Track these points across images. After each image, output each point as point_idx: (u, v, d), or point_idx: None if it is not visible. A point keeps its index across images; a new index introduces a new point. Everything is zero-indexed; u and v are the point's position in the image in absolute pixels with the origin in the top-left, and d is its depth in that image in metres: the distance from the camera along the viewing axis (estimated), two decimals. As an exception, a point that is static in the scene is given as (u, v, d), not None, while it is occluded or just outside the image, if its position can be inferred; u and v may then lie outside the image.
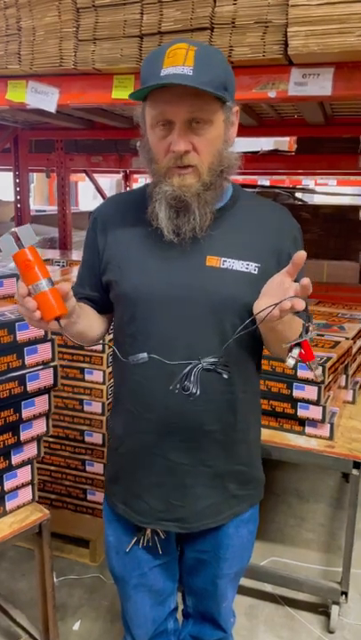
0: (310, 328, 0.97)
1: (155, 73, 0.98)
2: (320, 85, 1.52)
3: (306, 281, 0.88)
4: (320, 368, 0.99)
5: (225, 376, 1.06)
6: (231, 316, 1.07)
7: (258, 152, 3.37)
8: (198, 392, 1.03)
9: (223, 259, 1.07)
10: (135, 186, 5.50)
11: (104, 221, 1.17)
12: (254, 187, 4.27)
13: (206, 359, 1.05)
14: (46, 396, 1.50)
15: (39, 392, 1.47)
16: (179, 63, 0.96)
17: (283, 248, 1.11)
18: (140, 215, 1.10)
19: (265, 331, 1.04)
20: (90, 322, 1.17)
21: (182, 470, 1.12)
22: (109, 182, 8.57)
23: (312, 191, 5.46)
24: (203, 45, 1.02)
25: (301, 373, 1.86)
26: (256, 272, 1.07)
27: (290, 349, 0.96)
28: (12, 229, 0.93)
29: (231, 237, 1.09)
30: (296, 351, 0.96)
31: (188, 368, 1.04)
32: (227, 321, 1.07)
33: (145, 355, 1.03)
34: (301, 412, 1.89)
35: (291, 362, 0.96)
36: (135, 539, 1.21)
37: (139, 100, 1.05)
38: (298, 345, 0.96)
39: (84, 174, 4.63)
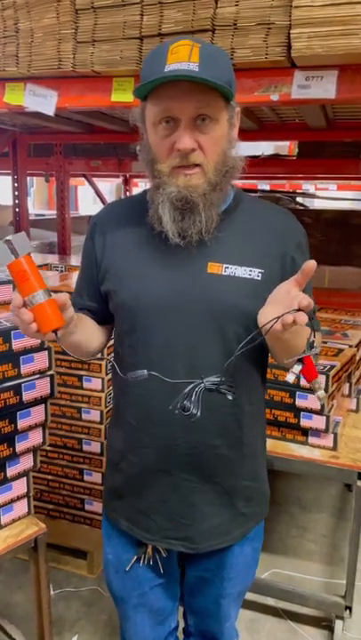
0: (315, 343, 0.92)
1: (158, 70, 0.94)
2: (324, 88, 1.49)
3: (305, 301, 0.85)
4: (323, 390, 0.94)
5: (229, 397, 1.01)
6: (234, 324, 1.03)
7: (259, 156, 3.34)
8: (199, 414, 0.98)
9: (225, 265, 1.03)
10: (135, 190, 5.48)
11: (102, 229, 1.13)
12: (255, 191, 4.24)
13: (209, 378, 1.01)
14: (43, 406, 1.46)
15: (35, 402, 1.43)
16: (184, 59, 0.92)
17: (287, 253, 1.07)
18: (140, 221, 1.06)
19: (271, 340, 1.00)
20: (88, 333, 1.13)
21: (188, 487, 1.08)
22: (109, 187, 8.55)
23: (313, 195, 5.43)
24: (206, 43, 1.00)
25: (305, 382, 1.82)
26: (260, 278, 1.04)
27: (292, 364, 0.92)
28: (7, 237, 0.89)
29: (233, 243, 1.05)
30: (298, 368, 0.91)
31: (190, 387, 0.99)
32: (229, 330, 1.03)
33: (145, 372, 0.98)
34: (304, 422, 1.85)
35: (291, 377, 0.91)
36: (136, 557, 1.16)
37: (140, 97, 1.01)
38: (300, 361, 0.91)
39: (84, 178, 4.61)
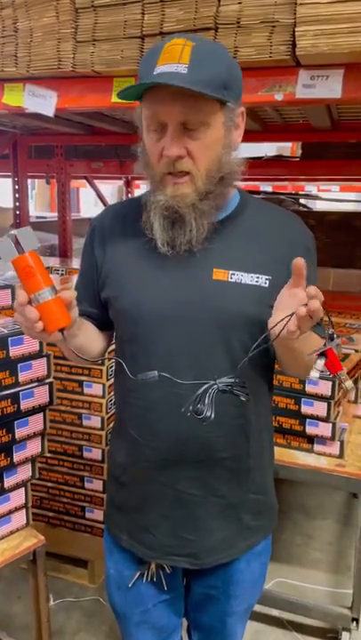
0: (335, 335, 0.87)
1: (148, 71, 0.90)
2: (329, 88, 1.46)
3: (312, 290, 0.81)
4: (349, 380, 0.90)
5: (243, 398, 0.97)
6: (240, 332, 0.99)
7: (262, 158, 3.30)
8: (213, 415, 0.93)
9: (231, 271, 0.99)
10: (137, 192, 5.45)
11: (102, 232, 1.10)
12: (257, 193, 4.20)
13: (222, 379, 0.96)
14: (41, 415, 1.42)
15: (33, 411, 1.39)
16: (173, 60, 0.88)
17: (293, 257, 1.02)
18: (139, 225, 1.02)
19: (281, 351, 0.96)
20: (89, 338, 1.09)
21: (192, 501, 1.04)
22: (111, 189, 8.52)
23: (316, 197, 5.39)
24: (203, 41, 0.94)
25: (310, 388, 1.78)
26: (267, 285, 1.00)
27: (314, 361, 0.87)
28: (11, 232, 0.85)
29: (239, 248, 1.02)
30: (321, 362, 0.86)
31: (203, 389, 0.95)
32: (235, 338, 0.99)
33: (155, 373, 0.92)
34: (310, 429, 1.81)
35: (315, 375, 0.86)
36: (138, 573, 1.12)
37: (130, 100, 0.97)
38: (323, 355, 0.86)
39: (85, 180, 4.58)
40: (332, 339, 0.87)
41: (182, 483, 1.03)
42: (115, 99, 1.66)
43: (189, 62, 0.88)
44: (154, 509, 1.06)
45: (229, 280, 0.99)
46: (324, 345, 0.87)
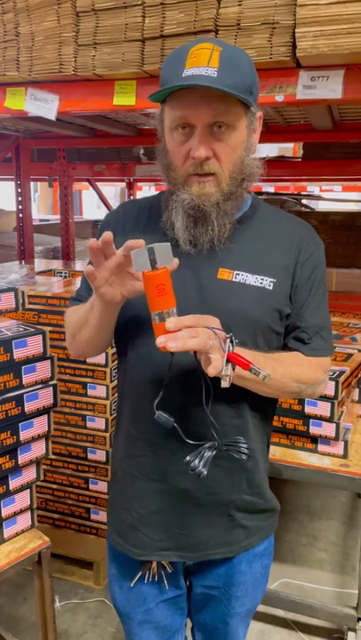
0: (232, 338, 0.89)
1: (177, 73, 0.91)
2: (330, 88, 1.46)
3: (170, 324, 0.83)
4: (263, 371, 0.89)
5: (243, 457, 0.96)
6: (241, 333, 0.98)
7: (264, 158, 3.30)
8: (205, 472, 0.92)
9: (236, 272, 1.00)
10: (139, 194, 5.45)
11: (115, 226, 1.09)
12: (260, 194, 4.20)
13: (227, 441, 0.96)
14: (45, 417, 1.42)
15: (38, 413, 1.40)
16: (203, 64, 0.90)
17: (298, 264, 1.04)
18: (154, 225, 1.03)
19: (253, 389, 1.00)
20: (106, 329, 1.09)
21: (183, 497, 1.04)
22: (114, 191, 8.55)
23: (319, 197, 5.38)
24: (228, 46, 0.95)
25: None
26: (271, 287, 1.01)
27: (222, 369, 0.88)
28: (150, 245, 0.85)
29: (246, 250, 1.02)
30: (228, 367, 0.86)
31: (202, 449, 0.94)
32: (236, 338, 0.99)
33: (171, 420, 0.93)
34: (314, 430, 1.81)
35: (225, 384, 0.87)
36: (140, 573, 1.12)
37: (158, 101, 0.98)
38: (228, 361, 0.87)
39: (88, 183, 4.59)
40: (231, 342, 0.88)
41: (175, 478, 1.03)
42: (116, 101, 1.67)
43: (219, 66, 0.89)
44: (144, 505, 1.07)
45: (233, 280, 1.00)
46: (225, 352, 0.87)
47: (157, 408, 0.93)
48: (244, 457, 0.96)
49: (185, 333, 0.84)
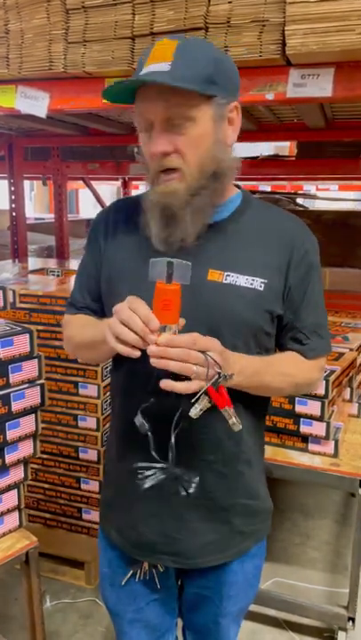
0: (220, 374, 0.86)
1: (137, 72, 0.91)
2: (320, 86, 1.45)
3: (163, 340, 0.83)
4: (235, 419, 0.89)
5: (183, 493, 0.98)
6: (231, 335, 0.97)
7: (257, 157, 3.30)
8: (146, 487, 0.94)
9: (226, 273, 0.98)
10: (134, 193, 5.44)
11: (106, 224, 1.10)
12: (254, 193, 4.20)
13: (181, 471, 0.97)
14: (33, 416, 1.42)
15: (25, 412, 1.39)
16: (158, 60, 0.89)
17: (291, 264, 1.01)
18: (139, 223, 1.03)
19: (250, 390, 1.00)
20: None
21: (179, 502, 1.03)
22: (110, 189, 8.52)
23: (314, 196, 5.38)
24: (190, 39, 0.94)
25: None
26: (262, 288, 0.99)
27: (197, 398, 0.87)
28: (170, 259, 0.85)
29: (236, 250, 1.00)
30: (202, 402, 0.86)
31: (154, 467, 0.95)
32: (226, 341, 0.95)
33: (146, 429, 0.94)
34: (304, 429, 1.81)
35: (193, 412, 0.86)
36: (131, 572, 1.12)
37: (122, 102, 0.98)
38: (205, 393, 0.86)
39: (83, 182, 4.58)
40: (219, 377, 0.86)
41: (170, 483, 1.02)
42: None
43: (173, 59, 0.89)
44: (141, 507, 1.06)
45: (224, 282, 0.98)
46: (205, 385, 0.86)
47: (143, 412, 0.93)
48: (184, 494, 0.97)
49: (174, 353, 0.83)
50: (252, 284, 0.98)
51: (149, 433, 0.93)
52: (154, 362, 0.83)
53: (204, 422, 0.95)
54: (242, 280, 0.98)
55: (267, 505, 1.15)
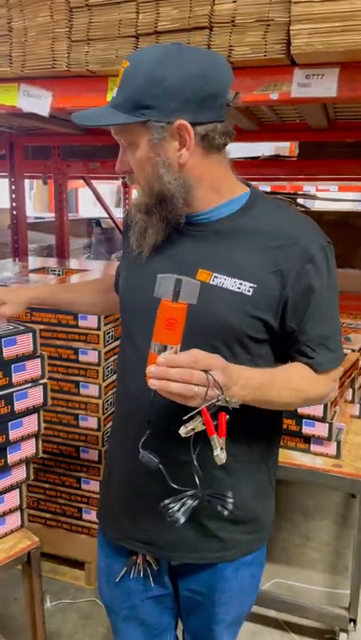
0: (219, 399, 0.82)
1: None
2: (324, 86, 1.45)
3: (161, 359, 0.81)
4: (221, 450, 0.83)
5: (225, 513, 0.91)
6: (213, 339, 0.94)
7: (259, 157, 3.29)
8: (183, 521, 0.88)
9: (215, 274, 0.95)
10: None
11: (127, 227, 1.14)
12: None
13: (213, 492, 0.91)
14: (35, 416, 1.41)
15: (27, 412, 1.38)
16: (116, 85, 0.96)
17: (290, 268, 0.95)
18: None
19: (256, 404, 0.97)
20: (73, 298, 1.35)
21: (151, 497, 0.99)
22: (110, 188, 8.51)
23: (314, 197, 5.38)
24: (139, 56, 0.94)
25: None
26: (250, 293, 0.94)
27: (190, 417, 0.82)
28: (179, 277, 0.82)
29: (229, 251, 0.97)
30: (195, 422, 0.81)
31: (184, 495, 0.88)
32: (207, 345, 0.91)
33: (156, 463, 0.90)
34: (306, 429, 1.80)
35: (182, 430, 0.82)
36: (125, 569, 1.13)
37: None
38: (199, 413, 0.81)
39: (83, 181, 4.56)
40: (218, 400, 0.82)
41: (143, 476, 0.99)
42: (110, 98, 1.66)
43: (117, 86, 0.94)
44: (119, 496, 1.11)
45: (211, 283, 0.95)
46: (199, 406, 0.82)
47: (143, 447, 0.90)
48: (226, 512, 0.91)
49: (175, 374, 0.79)
50: (239, 288, 0.94)
51: (160, 465, 0.89)
52: (153, 383, 0.79)
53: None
54: (229, 283, 0.94)
55: (263, 521, 1.09)
